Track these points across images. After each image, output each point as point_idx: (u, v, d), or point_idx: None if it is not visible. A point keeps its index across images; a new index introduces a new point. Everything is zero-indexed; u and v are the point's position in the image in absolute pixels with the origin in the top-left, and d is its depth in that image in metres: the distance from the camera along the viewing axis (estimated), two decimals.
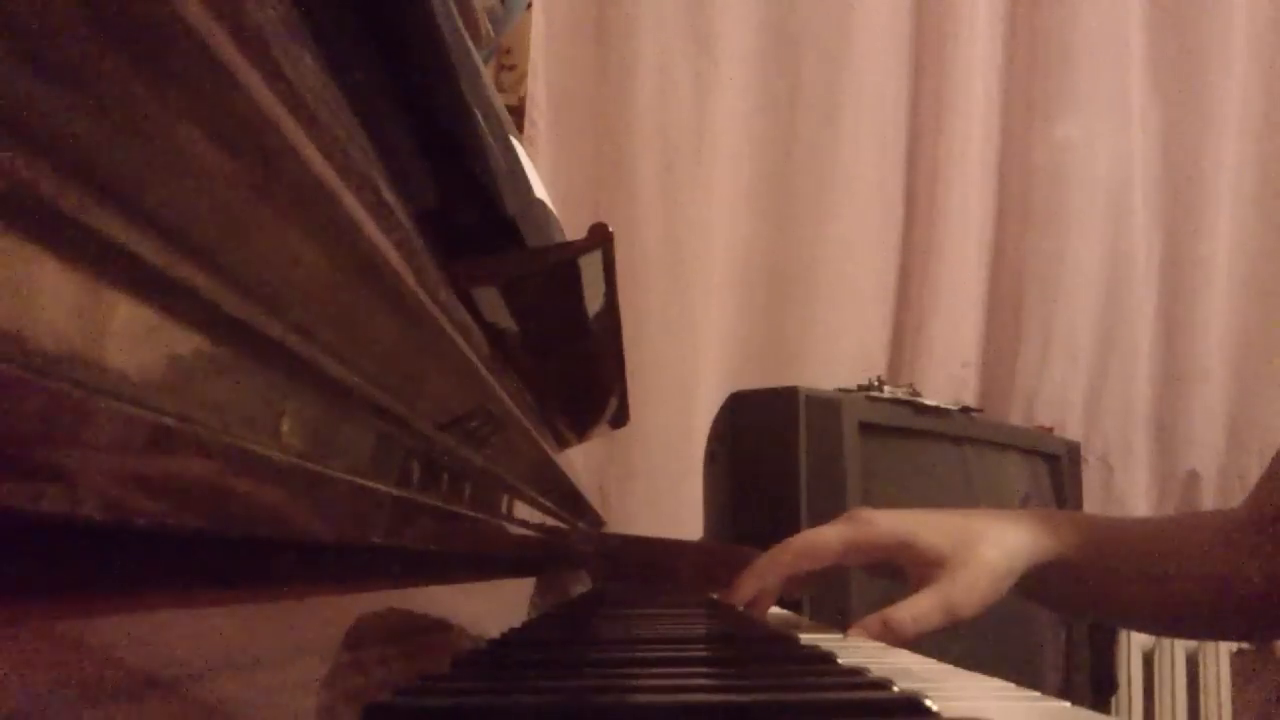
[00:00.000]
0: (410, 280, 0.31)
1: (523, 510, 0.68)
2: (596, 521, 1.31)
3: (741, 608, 0.87)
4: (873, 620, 0.77)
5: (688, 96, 2.09)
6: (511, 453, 0.57)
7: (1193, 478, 2.37)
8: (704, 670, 0.50)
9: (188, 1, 0.17)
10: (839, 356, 2.13)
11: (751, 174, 2.17)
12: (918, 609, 0.78)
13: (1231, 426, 2.39)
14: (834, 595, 1.43)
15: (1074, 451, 2.02)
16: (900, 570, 0.83)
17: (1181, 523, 0.92)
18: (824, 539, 0.83)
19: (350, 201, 0.25)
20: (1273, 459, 0.86)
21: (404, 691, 0.34)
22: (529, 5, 1.83)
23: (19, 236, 0.15)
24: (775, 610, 0.94)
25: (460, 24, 0.49)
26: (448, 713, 0.33)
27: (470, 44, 0.52)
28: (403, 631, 0.41)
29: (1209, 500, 2.35)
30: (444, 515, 0.46)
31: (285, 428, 0.26)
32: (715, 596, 0.89)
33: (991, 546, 0.80)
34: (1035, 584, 0.83)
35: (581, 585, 1.23)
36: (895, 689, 0.37)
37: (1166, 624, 0.93)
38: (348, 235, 0.26)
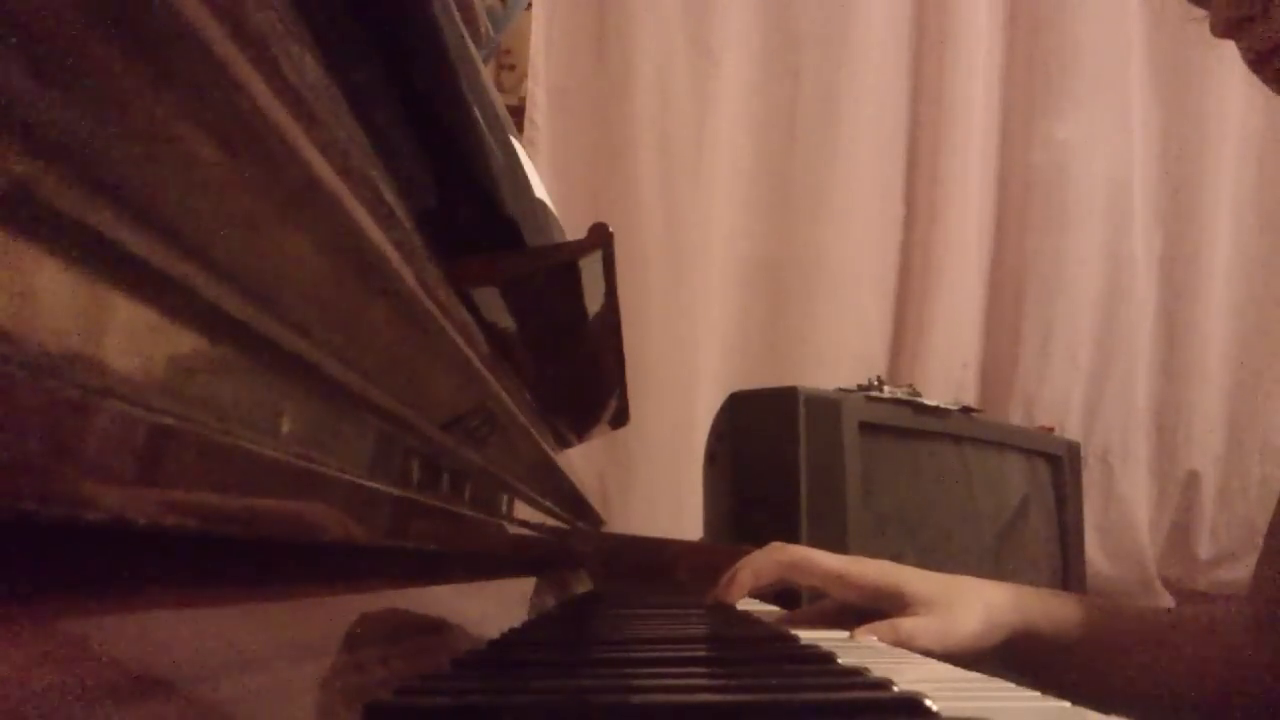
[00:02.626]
0: (410, 280, 0.31)
1: (523, 510, 0.69)
2: (596, 521, 1.31)
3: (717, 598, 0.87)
4: (882, 625, 0.78)
5: (688, 96, 2.09)
6: (511, 453, 0.57)
7: (1193, 478, 2.36)
8: (704, 670, 0.50)
9: (188, 1, 0.17)
10: (839, 356, 2.13)
11: (751, 174, 2.17)
12: (919, 623, 0.79)
13: (1231, 426, 2.39)
14: None
15: (1074, 451, 2.02)
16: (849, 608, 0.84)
17: (1183, 613, 0.91)
18: (821, 559, 0.85)
19: (350, 201, 0.25)
20: (1264, 541, 0.85)
21: (404, 691, 0.34)
22: (529, 5, 1.83)
23: (19, 236, 0.15)
24: (773, 609, 0.94)
25: (460, 24, 0.49)
26: (448, 712, 0.33)
27: (470, 44, 0.52)
28: (403, 631, 0.41)
29: (1209, 500, 2.35)
30: (444, 515, 0.46)
31: (285, 428, 0.26)
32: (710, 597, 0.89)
33: (978, 599, 0.82)
34: (1022, 653, 0.83)
35: (581, 585, 1.23)
36: (895, 689, 0.37)
37: (1170, 713, 0.92)
38: (348, 235, 0.26)
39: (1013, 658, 0.83)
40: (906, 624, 0.78)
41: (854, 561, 0.85)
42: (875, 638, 0.77)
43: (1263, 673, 0.80)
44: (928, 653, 0.78)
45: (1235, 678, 0.81)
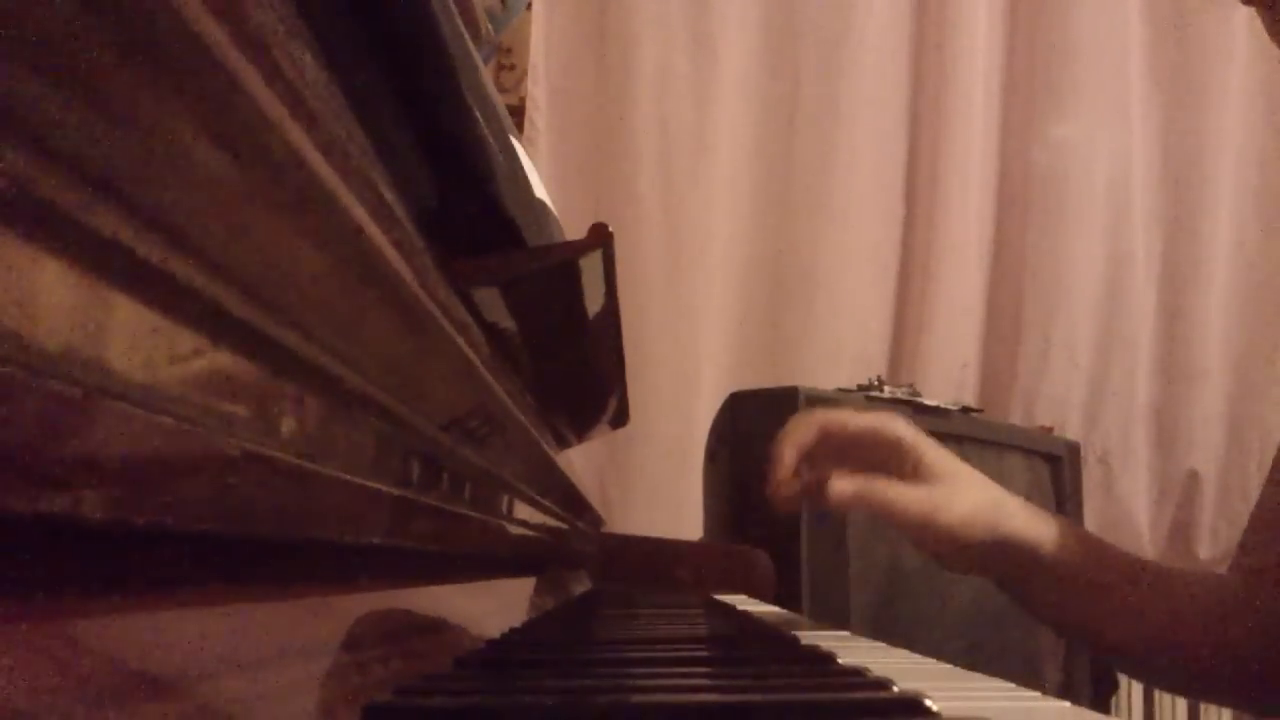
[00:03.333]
0: (410, 280, 0.31)
1: (523, 510, 0.69)
2: (596, 521, 1.31)
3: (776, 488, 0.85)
4: (873, 482, 0.78)
5: (688, 96, 2.09)
6: (511, 453, 0.57)
7: (1193, 478, 2.36)
8: (704, 670, 0.50)
9: (188, 2, 0.17)
10: (839, 356, 2.13)
11: (751, 174, 2.17)
12: (906, 491, 0.78)
13: (1231, 426, 2.39)
14: (834, 595, 1.43)
15: (1074, 451, 2.02)
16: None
17: (1169, 570, 0.91)
18: (851, 417, 0.85)
19: (350, 201, 0.25)
20: (1250, 517, 0.86)
21: (404, 691, 0.34)
22: (529, 5, 1.83)
23: (19, 236, 0.15)
24: (775, 610, 0.94)
25: (460, 24, 0.49)
26: (448, 712, 0.33)
27: (470, 44, 0.52)
28: (403, 631, 0.41)
29: (1209, 500, 2.35)
30: (444, 515, 0.46)
31: (285, 428, 0.26)
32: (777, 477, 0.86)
33: (978, 487, 0.82)
34: (1008, 564, 0.83)
35: (581, 585, 1.23)
36: (895, 689, 0.37)
37: (1146, 664, 0.92)
38: (348, 235, 0.26)
39: (997, 566, 0.83)
40: (893, 489, 0.78)
41: (879, 417, 0.85)
42: (852, 488, 0.76)
43: (1237, 644, 0.81)
44: (910, 522, 0.78)
45: (1211, 644, 0.82)
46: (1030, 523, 0.82)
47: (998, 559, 0.82)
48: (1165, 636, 0.83)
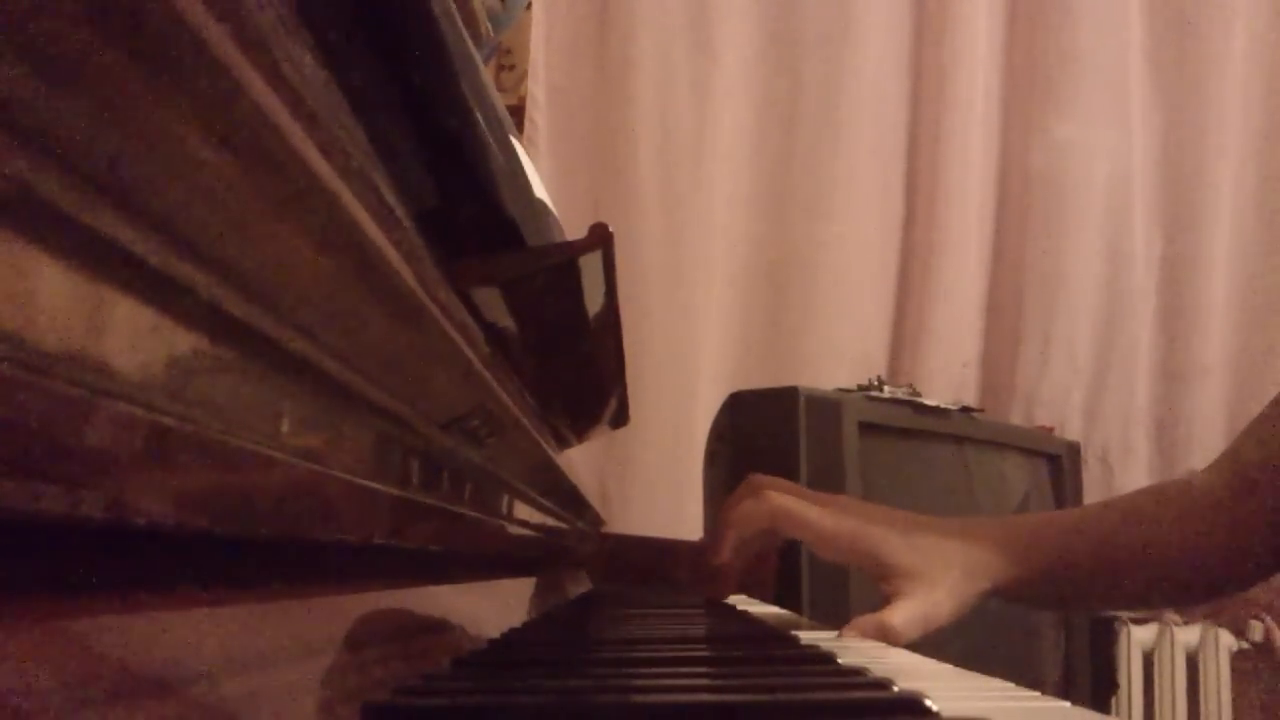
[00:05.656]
0: (410, 280, 0.31)
1: (523, 510, 0.69)
2: (596, 521, 1.31)
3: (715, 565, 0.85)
4: (868, 621, 0.78)
5: (688, 96, 2.09)
6: (511, 453, 0.57)
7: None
8: (704, 670, 0.50)
9: (188, 1, 0.17)
10: (839, 356, 2.13)
11: (751, 174, 2.17)
12: (904, 616, 0.79)
13: (1231, 426, 2.39)
14: (834, 595, 1.43)
15: (1074, 451, 2.02)
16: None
17: (1145, 502, 0.92)
18: (807, 516, 0.83)
19: (350, 201, 0.25)
20: (1252, 421, 0.87)
21: (403, 691, 0.34)
22: (529, 5, 1.83)
23: (19, 236, 0.15)
24: (775, 610, 0.94)
25: (460, 24, 0.49)
26: (448, 712, 0.33)
27: (470, 44, 0.52)
28: (403, 631, 0.41)
29: None
30: (444, 515, 0.46)
31: (285, 428, 0.26)
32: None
33: (955, 568, 0.82)
34: (1006, 597, 0.85)
35: (581, 585, 1.23)
36: (895, 689, 0.37)
37: (1133, 604, 0.97)
38: (348, 235, 0.26)
39: (997, 598, 0.85)
40: (893, 622, 0.79)
41: (837, 518, 0.83)
42: (863, 638, 0.77)
43: (1219, 549, 0.83)
44: (918, 638, 0.79)
45: (1202, 551, 0.84)
46: (1005, 565, 0.84)
47: (987, 600, 0.84)
48: (1152, 575, 0.86)
